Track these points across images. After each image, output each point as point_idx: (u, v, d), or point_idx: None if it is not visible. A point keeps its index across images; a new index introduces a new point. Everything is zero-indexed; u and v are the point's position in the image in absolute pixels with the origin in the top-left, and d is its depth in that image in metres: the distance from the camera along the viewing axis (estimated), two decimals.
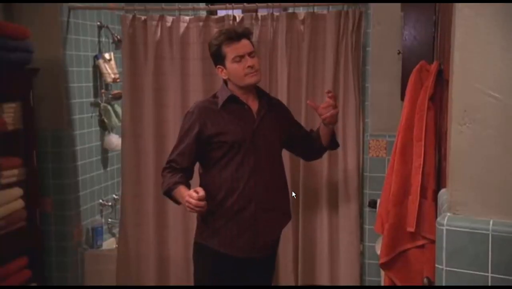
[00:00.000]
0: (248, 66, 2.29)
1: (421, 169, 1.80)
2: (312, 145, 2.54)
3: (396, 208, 1.88)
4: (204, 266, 2.41)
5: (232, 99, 2.35)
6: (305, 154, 2.68)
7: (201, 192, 2.10)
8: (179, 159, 2.34)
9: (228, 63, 2.31)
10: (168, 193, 2.30)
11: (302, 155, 2.74)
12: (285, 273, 3.28)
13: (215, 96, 2.42)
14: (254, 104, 2.39)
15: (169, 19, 3.28)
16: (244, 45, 2.31)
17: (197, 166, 2.44)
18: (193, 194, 2.10)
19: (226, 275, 2.37)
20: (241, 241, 2.33)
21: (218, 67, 2.36)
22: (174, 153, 2.37)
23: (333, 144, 2.55)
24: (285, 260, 3.27)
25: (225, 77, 2.36)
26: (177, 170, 2.33)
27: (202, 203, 2.10)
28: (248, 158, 2.31)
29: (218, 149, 2.31)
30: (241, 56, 2.29)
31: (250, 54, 2.30)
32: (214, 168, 2.34)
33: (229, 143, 2.29)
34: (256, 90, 2.42)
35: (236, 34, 2.31)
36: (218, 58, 2.34)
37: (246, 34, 2.35)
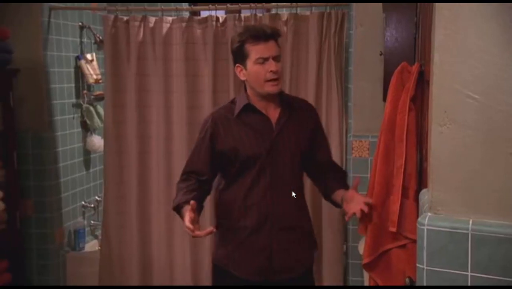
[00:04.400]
0: (271, 71, 2.05)
1: (402, 169, 1.81)
2: (324, 178, 2.27)
3: (379, 208, 1.89)
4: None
5: (249, 108, 2.13)
6: (313, 177, 2.37)
7: (190, 216, 1.92)
8: (196, 169, 2.16)
9: (249, 64, 2.08)
10: (177, 210, 2.10)
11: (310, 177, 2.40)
12: None
13: (233, 102, 2.20)
14: (274, 113, 2.15)
15: (152, 19, 3.26)
16: (270, 47, 2.07)
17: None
18: (188, 223, 1.92)
19: None
20: (256, 264, 2.13)
21: (237, 66, 2.13)
22: (190, 164, 2.20)
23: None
24: None
25: (243, 78, 2.13)
26: (192, 184, 2.13)
27: (192, 229, 1.91)
28: (264, 172, 2.10)
29: (231, 164, 2.13)
30: (265, 59, 2.05)
31: (275, 58, 2.07)
32: (231, 184, 2.16)
33: (242, 159, 2.10)
34: (279, 97, 2.17)
35: (264, 34, 2.07)
36: (239, 56, 2.10)
37: (274, 35, 2.11)
